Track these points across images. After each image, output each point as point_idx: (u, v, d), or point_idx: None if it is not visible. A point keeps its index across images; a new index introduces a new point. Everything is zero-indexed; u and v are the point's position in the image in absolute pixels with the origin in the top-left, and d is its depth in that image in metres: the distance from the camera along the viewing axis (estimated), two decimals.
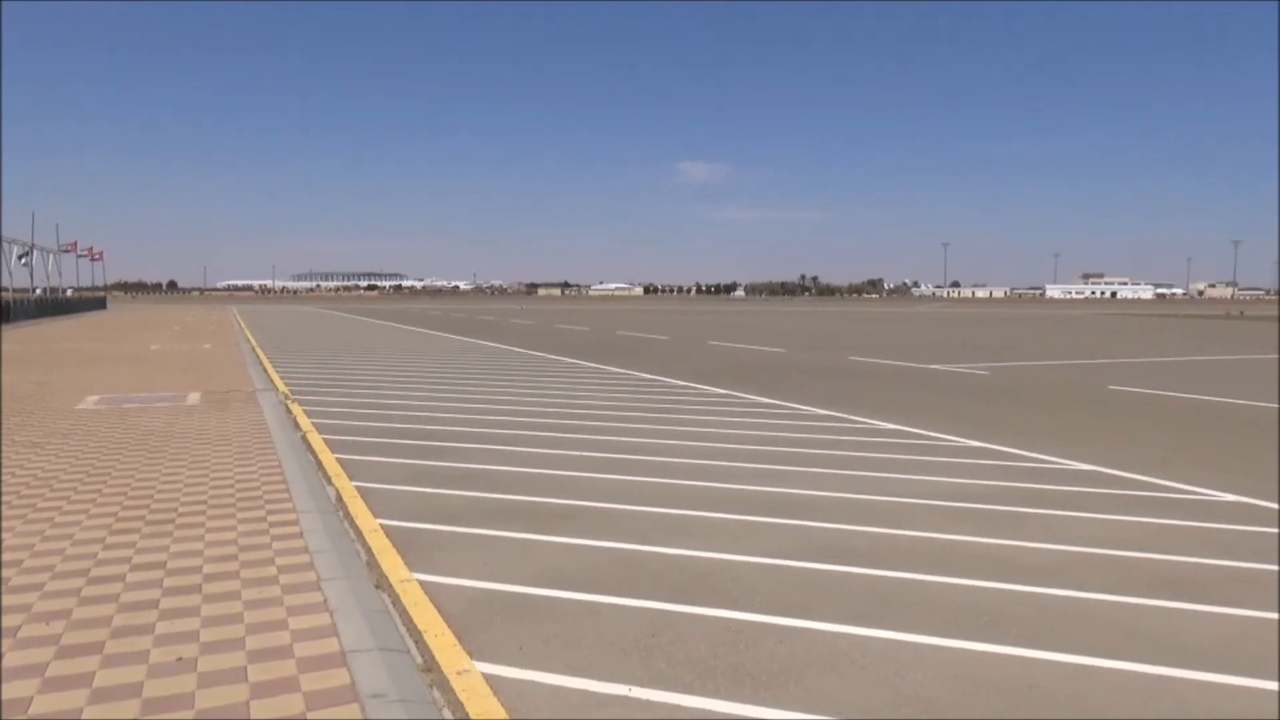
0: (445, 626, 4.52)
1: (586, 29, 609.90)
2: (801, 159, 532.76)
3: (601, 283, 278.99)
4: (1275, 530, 6.40)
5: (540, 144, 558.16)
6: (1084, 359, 22.54)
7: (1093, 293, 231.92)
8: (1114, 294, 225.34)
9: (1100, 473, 8.37)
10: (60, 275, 66.06)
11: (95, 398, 13.07)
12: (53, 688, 3.71)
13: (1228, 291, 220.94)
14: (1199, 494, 7.54)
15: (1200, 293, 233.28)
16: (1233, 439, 10.46)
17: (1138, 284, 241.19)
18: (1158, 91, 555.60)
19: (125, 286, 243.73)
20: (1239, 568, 5.56)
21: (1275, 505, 7.12)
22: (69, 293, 70.84)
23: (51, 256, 62.77)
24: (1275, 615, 4.75)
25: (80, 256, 73.52)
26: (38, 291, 56.25)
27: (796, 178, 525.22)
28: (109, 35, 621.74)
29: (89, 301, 70.02)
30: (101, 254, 79.50)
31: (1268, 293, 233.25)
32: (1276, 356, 23.43)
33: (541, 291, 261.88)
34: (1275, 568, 5.54)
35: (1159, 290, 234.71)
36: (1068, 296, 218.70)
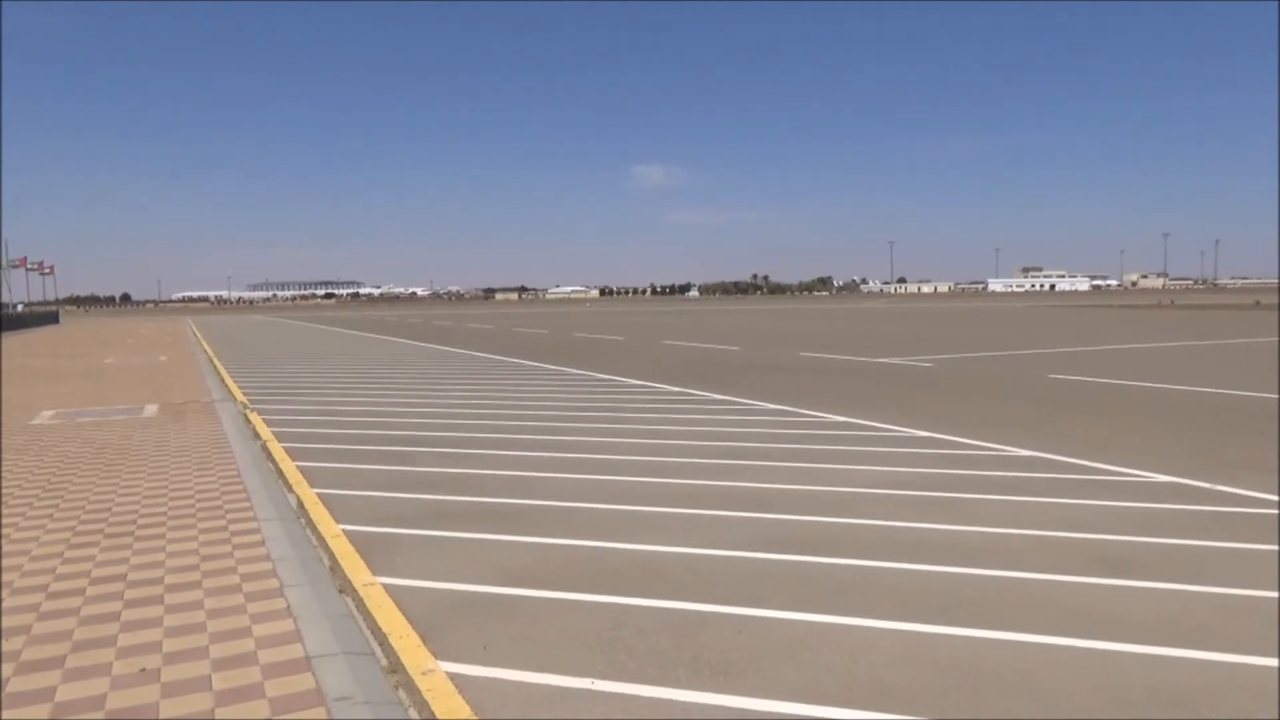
0: (409, 628, 4.57)
1: (539, 35, 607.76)
2: (751, 160, 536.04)
3: (558, 286, 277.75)
4: (1207, 508, 6.70)
5: (496, 150, 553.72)
6: (1025, 349, 23.12)
7: (1033, 286, 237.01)
8: (1053, 286, 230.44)
9: (1042, 458, 8.66)
10: (10, 290, 64.67)
11: (50, 412, 12.81)
12: (14, 704, 3.70)
13: (1159, 282, 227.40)
14: (1136, 476, 7.85)
15: (1134, 284, 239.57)
16: (1166, 422, 10.86)
17: (1075, 276, 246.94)
18: (1089, 89, 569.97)
19: (77, 300, 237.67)
20: (1174, 545, 5.82)
21: (1206, 484, 7.45)
22: (19, 308, 69.15)
23: (0, 272, 61.18)
24: (1211, 589, 5.00)
25: (30, 271, 71.87)
26: None
27: (747, 179, 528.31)
28: (54, 45, 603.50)
29: (41, 316, 68.47)
30: (53, 268, 77.94)
31: (1195, 282, 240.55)
32: (1233, 343, 24.27)
33: (499, 296, 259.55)
34: (1208, 544, 5.82)
35: (1095, 282, 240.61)
36: (1009, 290, 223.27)
